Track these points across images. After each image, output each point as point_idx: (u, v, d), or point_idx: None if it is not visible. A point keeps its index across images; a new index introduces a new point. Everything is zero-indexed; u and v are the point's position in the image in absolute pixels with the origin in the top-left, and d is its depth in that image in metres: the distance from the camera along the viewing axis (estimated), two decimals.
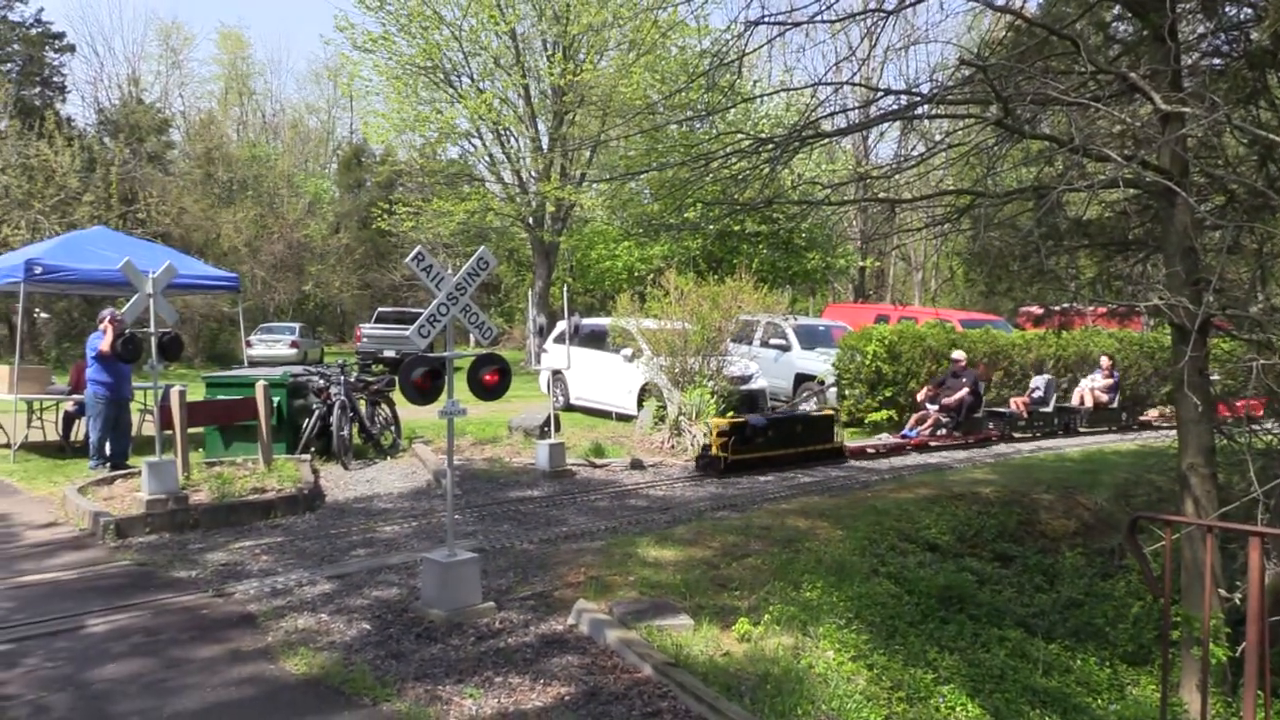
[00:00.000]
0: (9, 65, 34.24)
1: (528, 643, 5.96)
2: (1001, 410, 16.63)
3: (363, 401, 12.95)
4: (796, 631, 6.30)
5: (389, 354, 28.80)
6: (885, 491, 11.26)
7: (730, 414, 13.87)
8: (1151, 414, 19.09)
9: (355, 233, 48.71)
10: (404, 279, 46.76)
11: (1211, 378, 7.87)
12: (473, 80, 28.03)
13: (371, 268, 48.97)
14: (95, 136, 36.94)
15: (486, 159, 30.09)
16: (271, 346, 32.07)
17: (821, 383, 17.52)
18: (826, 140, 12.50)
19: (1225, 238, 7.27)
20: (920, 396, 15.97)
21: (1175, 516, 5.67)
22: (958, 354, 16.05)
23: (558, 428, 14.08)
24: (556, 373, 17.39)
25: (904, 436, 15.18)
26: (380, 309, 34.56)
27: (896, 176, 11.91)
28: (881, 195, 17.11)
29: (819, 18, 7.45)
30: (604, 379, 17.44)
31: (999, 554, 9.83)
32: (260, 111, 60.18)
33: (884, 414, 16.15)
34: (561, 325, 19.51)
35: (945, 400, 15.64)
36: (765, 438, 12.75)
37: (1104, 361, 18.26)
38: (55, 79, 37.17)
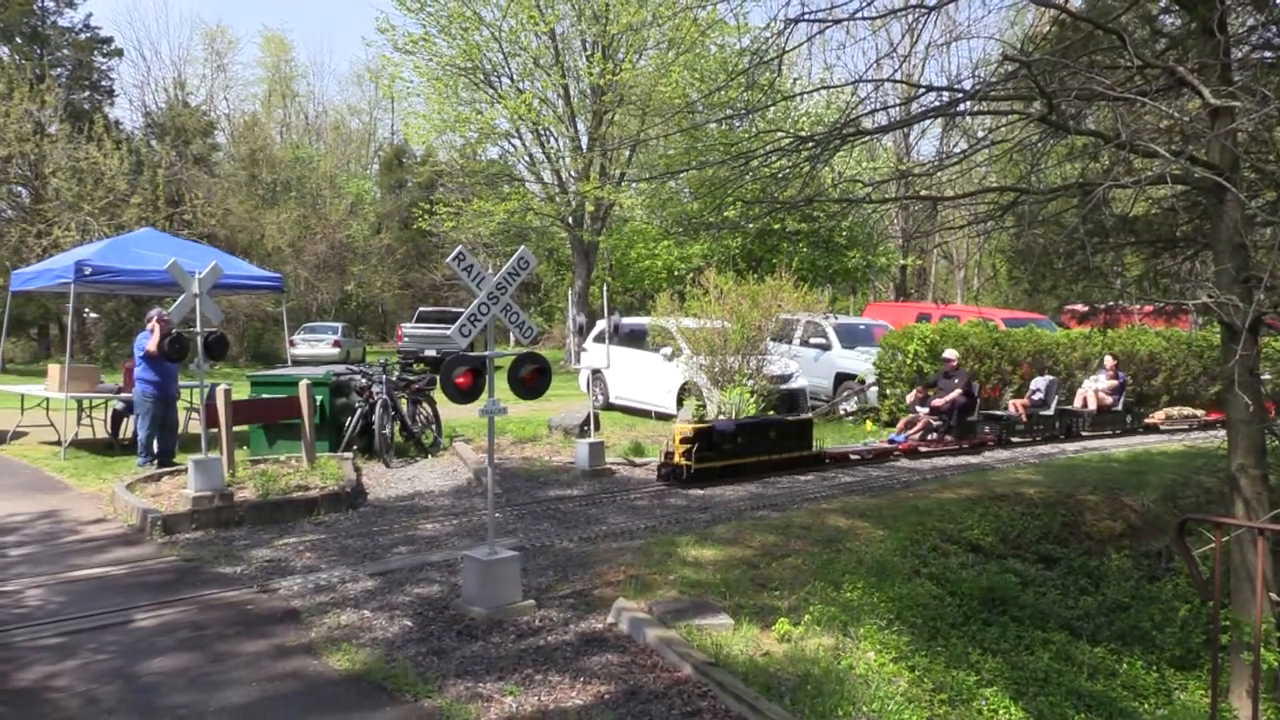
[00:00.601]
0: (59, 70, 34.87)
1: (568, 641, 5.98)
2: (998, 413, 15.86)
3: (404, 400, 13.04)
4: (837, 632, 6.26)
5: (430, 353, 29.00)
6: (927, 491, 11.17)
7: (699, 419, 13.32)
8: (1157, 416, 18.21)
9: (397, 233, 49.12)
10: (445, 279, 47.10)
11: (1263, 377, 7.72)
12: (512, 80, 28.16)
13: (413, 267, 49.38)
14: (143, 139, 37.56)
15: (526, 159, 30.22)
16: (314, 346, 32.45)
17: (862, 382, 17.40)
18: (867, 138, 12.42)
19: (1277, 234, 7.13)
20: (910, 399, 15.23)
21: (1225, 518, 5.57)
22: (950, 353, 15.32)
23: (597, 426, 14.11)
24: (596, 372, 17.42)
25: (891, 441, 14.32)
26: (421, 308, 34.84)
27: (938, 174, 11.78)
28: (923, 193, 16.95)
29: (860, 14, 7.40)
30: (643, 378, 17.44)
31: (1043, 555, 9.71)
32: (303, 113, 60.90)
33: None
34: (601, 324, 19.54)
35: (936, 402, 14.81)
36: (734, 444, 11.84)
37: (1108, 361, 17.46)
38: (104, 83, 37.79)
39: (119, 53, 38.39)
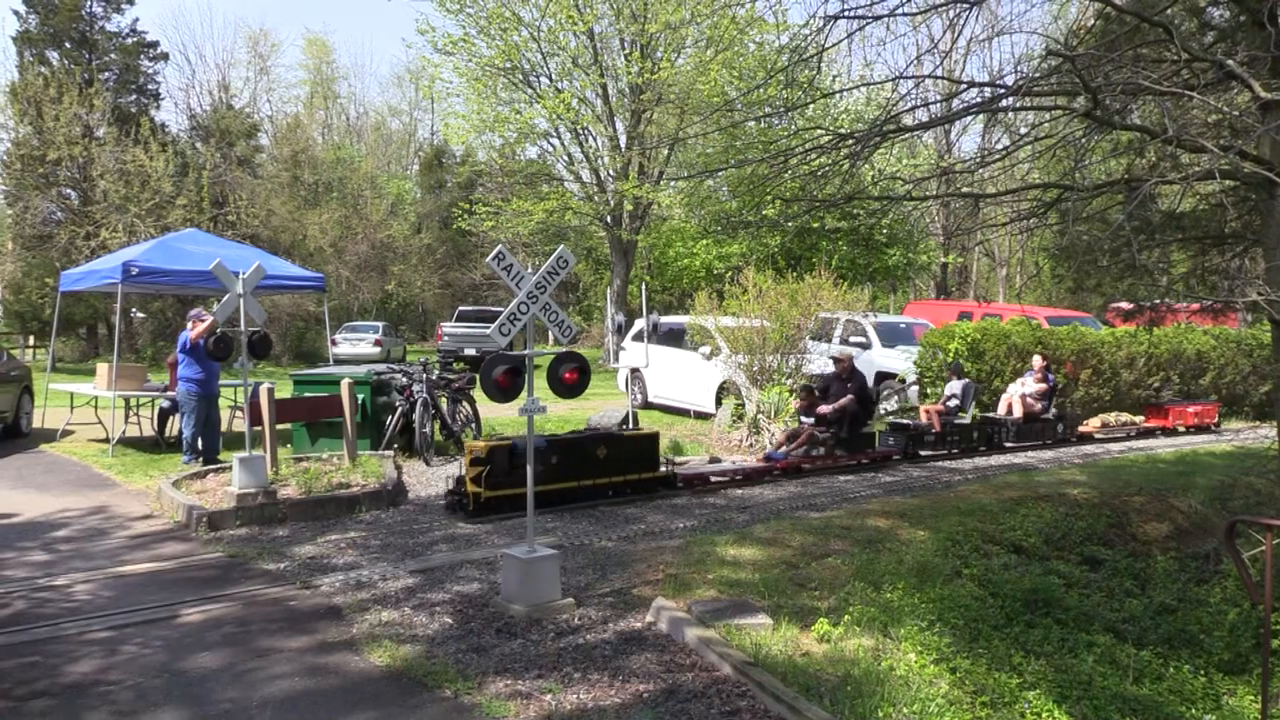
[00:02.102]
0: (107, 74, 35.46)
1: (606, 639, 5.98)
2: (905, 422, 14.13)
3: (444, 399, 13.13)
4: (877, 633, 6.21)
5: (470, 352, 29.18)
6: (969, 492, 11.06)
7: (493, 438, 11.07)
8: (1092, 424, 16.58)
9: (436, 233, 49.48)
10: (484, 278, 47.38)
11: None
12: (551, 80, 28.25)
13: (452, 267, 49.71)
14: (188, 142, 38.09)
15: (565, 158, 30.32)
16: (356, 345, 32.78)
17: (903, 381, 17.27)
18: (908, 135, 12.34)
19: None
20: (795, 405, 13.31)
21: (1276, 520, 5.46)
22: (841, 350, 13.87)
23: (636, 426, 14.11)
24: (635, 371, 17.46)
25: (769, 459, 12.32)
26: (461, 308, 35.06)
27: (980, 170, 11.67)
28: (964, 190, 16.74)
29: (900, 10, 7.37)
30: (682, 377, 17.43)
31: (1087, 557, 9.58)
32: (345, 115, 61.53)
33: (975, 413, 15.81)
34: (640, 323, 19.56)
35: (822, 409, 12.68)
36: (545, 466, 9.59)
37: (1036, 361, 15.76)
38: (150, 87, 38.36)
39: (165, 57, 38.96)
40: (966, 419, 14.54)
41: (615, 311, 29.28)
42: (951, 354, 15.85)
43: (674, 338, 18.13)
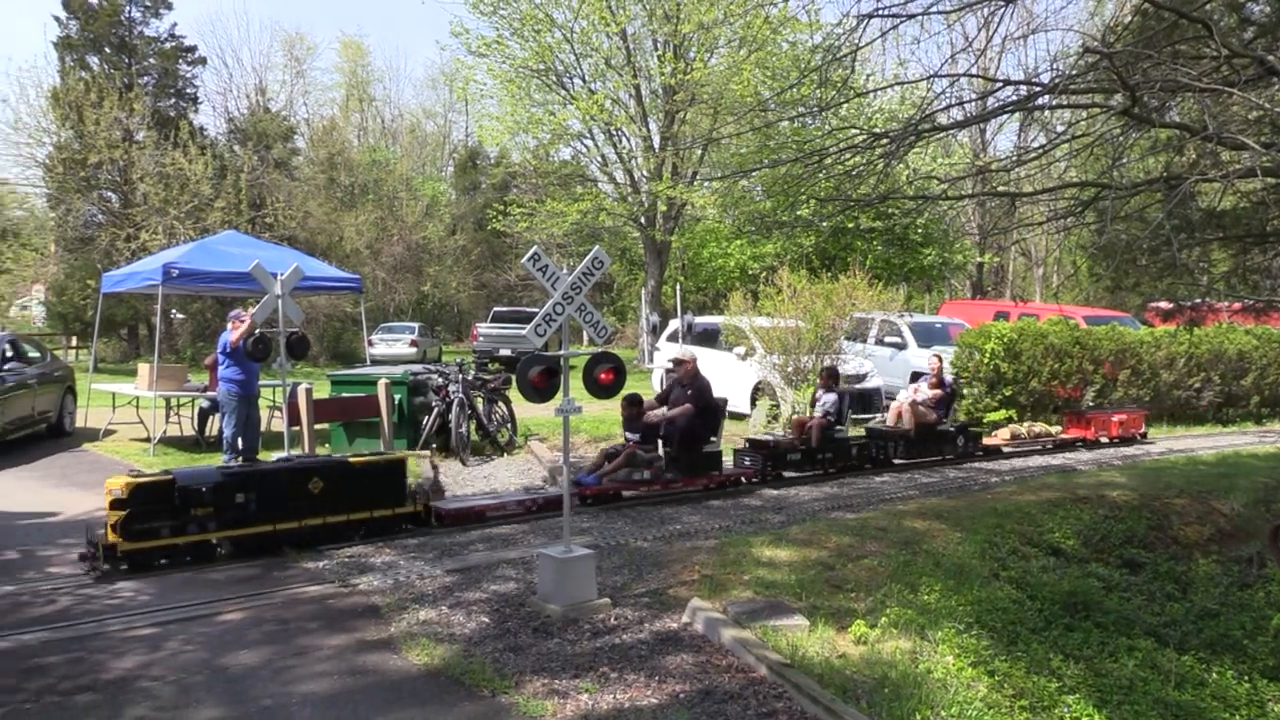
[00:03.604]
0: (146, 79, 35.96)
1: (642, 639, 6.00)
2: (765, 438, 12.11)
3: (480, 399, 13.22)
4: (914, 635, 6.19)
5: (505, 352, 29.31)
6: (1006, 493, 10.98)
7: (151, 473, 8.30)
8: (1000, 435, 14.83)
9: (471, 234, 49.74)
10: (519, 279, 47.57)
11: None
12: (584, 81, 28.31)
13: (487, 268, 49.96)
14: (226, 145, 38.56)
15: (599, 159, 30.38)
16: (392, 345, 33.02)
17: None
18: (943, 134, 12.28)
19: None
20: (622, 414, 10.98)
21: None
22: (684, 350, 12.33)
23: None
24: (669, 371, 17.45)
25: (577, 484, 9.86)
26: (496, 308, 35.23)
27: (1016, 169, 11.58)
28: (1000, 189, 16.61)
29: (934, 8, 7.32)
30: (716, 377, 17.41)
31: (1127, 560, 9.48)
32: (379, 117, 61.94)
33: (1004, 413, 15.70)
34: (674, 324, 19.59)
35: (650, 416, 10.76)
36: (230, 506, 7.65)
37: (931, 363, 14.18)
38: (188, 91, 38.86)
39: (202, 61, 39.46)
40: (845, 432, 12.70)
41: (650, 312, 29.31)
42: (988, 354, 15.71)
43: (708, 338, 18.13)
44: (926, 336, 18.82)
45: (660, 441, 10.78)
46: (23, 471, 11.80)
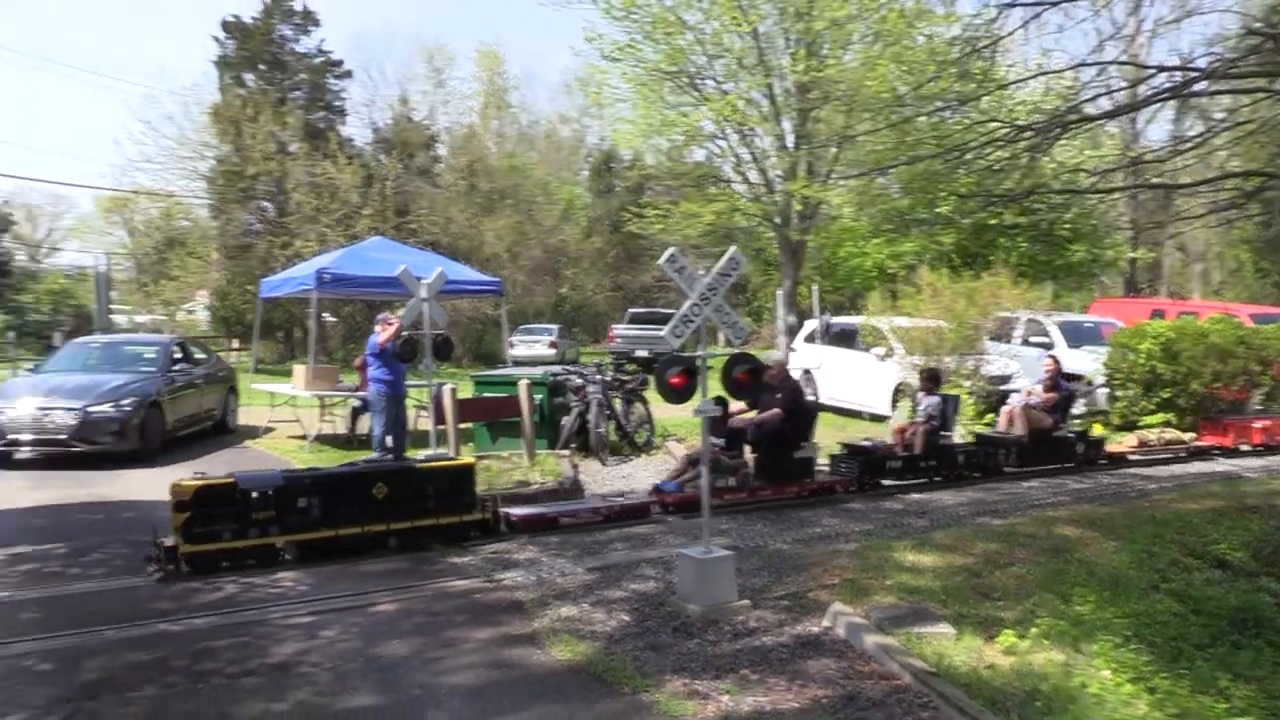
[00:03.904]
0: (297, 93, 37.66)
1: (783, 643, 5.96)
2: (864, 444, 11.38)
3: (618, 400, 13.35)
4: (1068, 647, 5.96)
5: (641, 354, 29.52)
6: (1165, 501, 10.46)
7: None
8: (1127, 441, 13.70)
9: (607, 236, 50.26)
10: (655, 280, 47.83)
11: None
12: (717, 82, 28.22)
13: (623, 270, 50.43)
14: (372, 154, 39.97)
15: (732, 160, 30.23)
16: (531, 347, 33.67)
17: (1090, 383, 16.49)
18: (1091, 125, 11.77)
19: None
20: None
21: None
22: (772, 355, 11.75)
23: None
24: (806, 372, 17.30)
25: (658, 490, 9.84)
26: (632, 310, 35.53)
27: (1172, 160, 11.03)
28: (1155, 181, 15.89)
29: None
30: (855, 378, 17.17)
31: None
32: (517, 123, 63.12)
33: (1160, 417, 14.93)
34: (811, 324, 19.40)
35: (734, 422, 10.30)
36: (293, 511, 7.66)
37: (1045, 364, 13.34)
38: (336, 103, 40.48)
39: (349, 74, 41.05)
40: (953, 439, 12.11)
41: (786, 313, 29.06)
42: (1144, 354, 14.96)
43: (846, 339, 17.89)
44: (1076, 336, 18.11)
45: (748, 447, 10.48)
46: (190, 467, 12.50)
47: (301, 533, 7.73)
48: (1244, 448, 14.34)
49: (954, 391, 13.60)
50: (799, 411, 10.50)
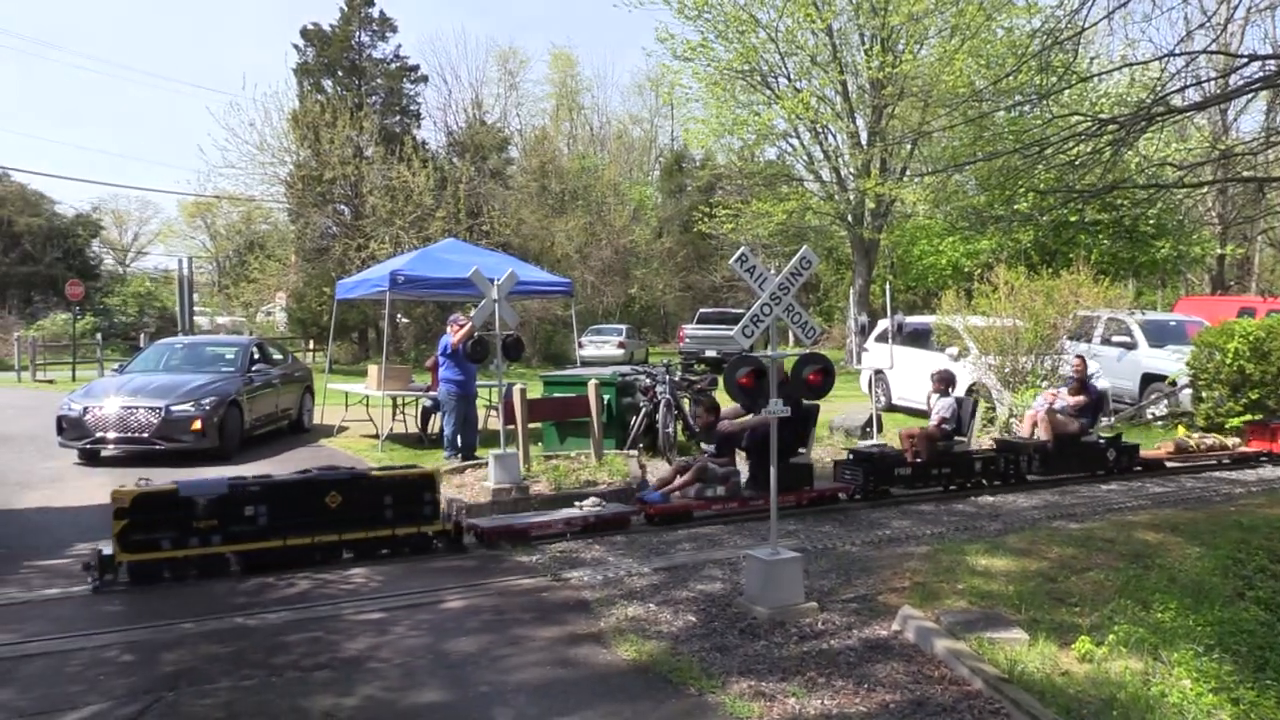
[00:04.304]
0: (374, 98, 38.36)
1: (850, 646, 5.88)
2: (870, 449, 10.80)
3: (686, 400, 13.32)
4: (1146, 655, 5.78)
5: (710, 354, 29.45)
6: (1252, 505, 10.10)
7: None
8: (1163, 448, 12.96)
9: (677, 236, 50.30)
10: (724, 280, 47.75)
11: None
12: (789, 80, 28.08)
13: (693, 270, 50.41)
14: (445, 157, 40.56)
15: (804, 158, 30.05)
16: (600, 347, 33.80)
17: (1173, 384, 16.01)
18: (1178, 117, 11.42)
19: None
20: (699, 423, 10.37)
21: None
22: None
23: (879, 428, 13.80)
24: (878, 372, 17.08)
25: (641, 500, 9.45)
26: (702, 310, 35.49)
27: (1265, 152, 10.64)
28: (1246, 174, 15.38)
29: None
30: (928, 379, 16.90)
31: None
32: (588, 125, 63.51)
33: (1246, 418, 14.40)
34: (883, 324, 19.13)
35: (723, 425, 9.93)
36: (237, 519, 7.34)
37: (1074, 365, 12.70)
38: (411, 108, 41.19)
39: (424, 79, 41.77)
40: (967, 444, 11.38)
41: (857, 312, 28.75)
42: (1231, 354, 14.47)
43: (919, 338, 17.62)
44: (1160, 335, 17.61)
45: (744, 454, 10.01)
46: (267, 465, 12.77)
47: (246, 542, 7.42)
48: None
49: (1030, 392, 13.29)
50: (796, 415, 9.45)
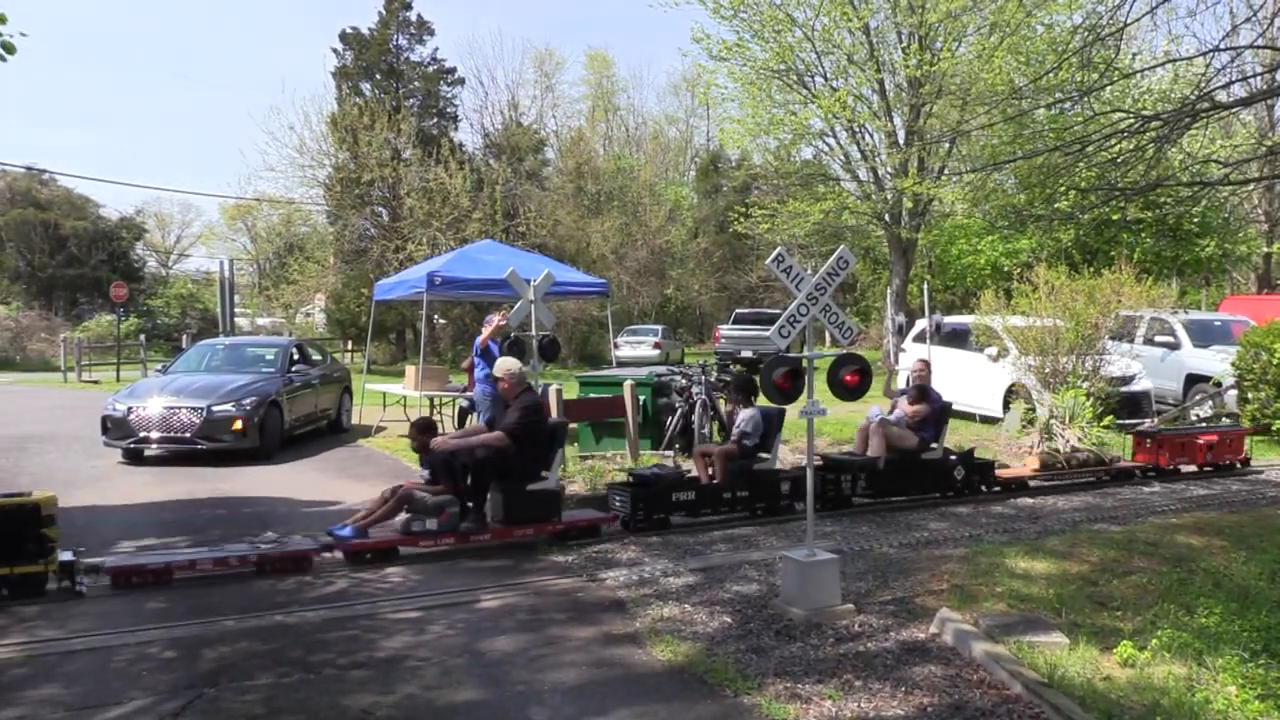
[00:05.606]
0: (411, 100, 38.64)
1: (887, 648, 5.84)
2: (646, 473, 9.43)
3: (722, 400, 13.28)
4: (1190, 661, 5.69)
5: (747, 354, 29.37)
6: None
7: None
8: (1028, 465, 11.57)
9: (713, 237, 50.24)
10: (760, 280, 47.61)
11: None
12: (826, 79, 27.92)
13: (729, 270, 50.34)
14: (482, 159, 40.75)
15: (841, 158, 29.87)
16: (636, 347, 33.84)
17: (1218, 385, 15.74)
18: (1224, 113, 11.25)
19: None
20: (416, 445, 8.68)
21: None
22: (503, 365, 8.76)
23: None
24: (910, 377, 16.93)
25: (331, 534, 7.91)
26: (738, 310, 35.42)
27: None
28: None
29: None
30: (967, 379, 16.73)
31: None
32: (624, 125, 63.56)
33: None
34: (921, 324, 18.99)
35: (438, 445, 8.38)
36: None
37: (914, 369, 11.16)
38: (449, 110, 41.42)
39: (461, 81, 41.96)
40: (771, 462, 9.82)
41: (895, 312, 28.53)
42: (1278, 355, 14.20)
43: (957, 339, 17.46)
44: (1204, 335, 17.33)
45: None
46: (307, 464, 12.93)
47: None
48: (1180, 468, 12.24)
49: (1071, 393, 13.11)
50: (533, 435, 8.33)
